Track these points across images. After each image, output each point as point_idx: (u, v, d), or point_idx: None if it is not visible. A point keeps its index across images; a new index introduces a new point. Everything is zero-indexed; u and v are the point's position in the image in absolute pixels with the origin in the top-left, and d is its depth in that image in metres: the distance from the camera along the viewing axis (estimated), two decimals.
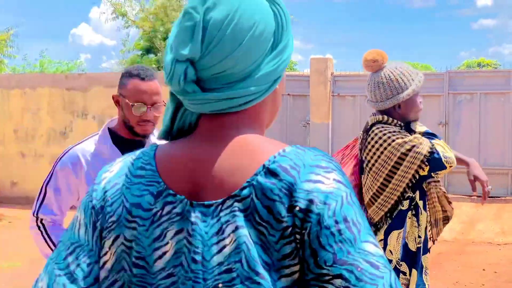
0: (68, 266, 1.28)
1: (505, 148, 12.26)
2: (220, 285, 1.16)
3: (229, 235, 1.17)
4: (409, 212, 3.38)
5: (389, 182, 3.38)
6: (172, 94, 1.33)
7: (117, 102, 3.05)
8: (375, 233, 3.42)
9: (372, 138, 3.44)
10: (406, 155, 3.35)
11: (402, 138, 3.37)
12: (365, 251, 1.13)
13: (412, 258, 3.35)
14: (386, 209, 3.38)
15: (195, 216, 1.21)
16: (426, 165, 3.33)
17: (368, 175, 3.46)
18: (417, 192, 3.44)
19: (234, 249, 1.16)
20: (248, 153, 1.22)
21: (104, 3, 26.32)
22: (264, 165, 1.19)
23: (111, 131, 3.14)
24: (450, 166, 3.37)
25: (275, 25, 1.30)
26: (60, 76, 15.49)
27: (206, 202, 1.21)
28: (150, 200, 1.26)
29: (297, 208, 1.14)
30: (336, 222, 1.14)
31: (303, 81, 13.86)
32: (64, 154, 3.10)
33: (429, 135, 3.57)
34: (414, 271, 3.37)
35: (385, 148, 3.39)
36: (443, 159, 3.34)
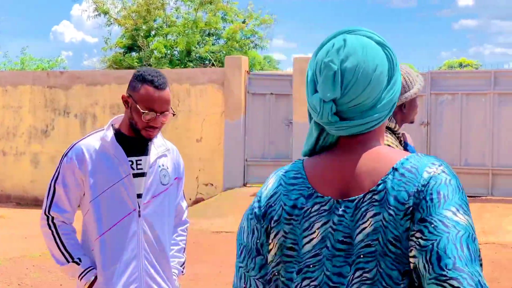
0: (242, 261, 1.79)
1: (486, 148, 12.35)
2: (361, 256, 1.59)
3: (368, 219, 1.60)
4: None
5: None
6: (316, 122, 1.73)
7: (126, 102, 3.09)
8: None
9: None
10: None
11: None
12: (442, 215, 1.52)
13: None
14: None
15: (342, 210, 1.64)
16: None
17: None
18: None
19: (373, 230, 1.59)
20: (380, 160, 1.66)
21: (85, 1, 26.13)
22: (393, 168, 1.62)
23: (115, 129, 3.17)
24: None
25: (388, 65, 1.71)
26: (41, 74, 15.41)
27: (351, 198, 1.64)
28: (303, 201, 1.69)
29: (415, 191, 1.57)
30: (431, 194, 1.55)
31: (286, 81, 13.89)
32: (69, 150, 3.13)
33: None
34: None
35: None
36: None
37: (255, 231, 1.76)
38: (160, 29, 26.00)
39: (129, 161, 3.12)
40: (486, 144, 12.42)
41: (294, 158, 13.40)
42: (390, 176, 1.61)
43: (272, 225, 1.72)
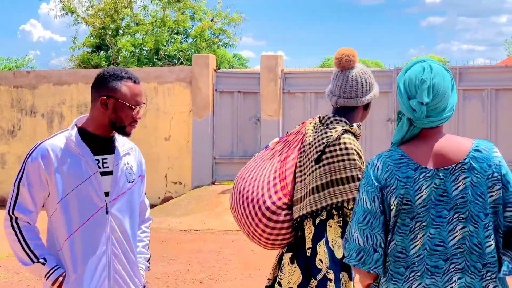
0: (367, 224, 2.63)
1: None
2: (458, 204, 2.57)
3: (460, 181, 2.58)
4: (331, 221, 3.42)
5: (327, 189, 3.43)
6: (408, 119, 2.65)
7: (105, 105, 3.13)
8: (302, 237, 3.49)
9: (341, 144, 3.44)
10: (351, 181, 3.38)
11: (359, 161, 3.40)
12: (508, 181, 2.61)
13: (341, 263, 3.40)
14: (308, 210, 3.42)
15: (441, 175, 2.59)
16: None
17: (315, 169, 3.46)
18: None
19: (464, 188, 2.58)
20: (459, 142, 2.64)
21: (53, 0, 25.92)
22: (474, 148, 2.61)
23: (80, 128, 3.20)
24: None
25: (451, 82, 2.69)
26: (8, 73, 15.28)
27: (446, 167, 2.59)
28: (412, 173, 2.60)
29: (494, 164, 2.59)
30: (506, 170, 2.61)
31: (254, 78, 13.94)
32: (34, 150, 3.13)
33: None
34: (345, 274, 3.45)
35: (345, 161, 3.41)
36: None
37: (376, 199, 2.63)
38: (128, 27, 25.89)
39: (96, 160, 3.15)
40: None
41: None
42: (473, 153, 2.59)
43: (391, 192, 2.60)
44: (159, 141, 13.91)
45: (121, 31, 26.12)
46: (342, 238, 3.39)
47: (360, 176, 3.35)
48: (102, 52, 26.44)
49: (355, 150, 3.39)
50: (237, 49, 46.81)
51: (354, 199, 3.35)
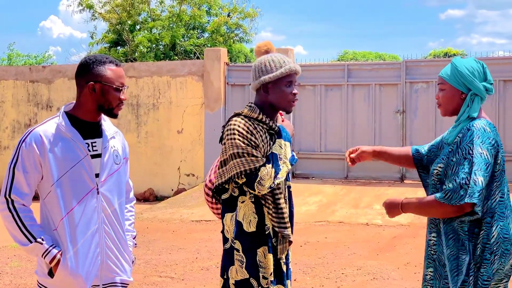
0: (486, 170, 3.31)
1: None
2: None
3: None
4: (243, 197, 3.68)
5: (225, 165, 3.73)
6: (481, 98, 3.47)
7: (92, 89, 3.31)
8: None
9: (229, 125, 3.73)
10: (234, 158, 3.64)
11: (241, 140, 3.63)
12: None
13: (251, 238, 3.68)
14: (221, 181, 3.72)
15: None
16: (242, 178, 3.63)
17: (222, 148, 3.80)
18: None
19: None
20: None
21: None
22: None
23: (69, 114, 3.37)
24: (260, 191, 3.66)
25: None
26: (24, 69, 15.55)
27: None
28: (500, 139, 3.40)
29: None
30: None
31: None
32: (27, 136, 3.29)
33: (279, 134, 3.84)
34: (263, 250, 3.70)
35: (228, 140, 3.68)
36: (254, 184, 3.60)
37: (492, 156, 3.30)
38: (145, 23, 26.09)
39: (86, 143, 3.33)
40: None
41: None
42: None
43: (499, 151, 3.36)
44: (172, 134, 14.09)
45: (138, 27, 26.34)
46: (255, 213, 3.67)
47: (240, 152, 3.62)
48: (119, 48, 26.68)
49: (236, 130, 3.63)
50: (255, 43, 46.71)
51: (241, 172, 3.61)
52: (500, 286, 3.40)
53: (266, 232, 3.69)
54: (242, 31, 27.00)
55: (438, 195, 3.32)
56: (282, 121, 4.29)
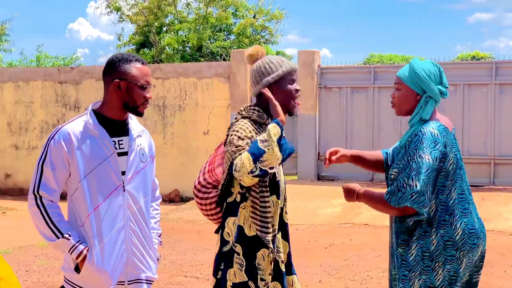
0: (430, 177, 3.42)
1: (487, 138, 12.51)
2: None
3: None
4: (245, 203, 3.68)
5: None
6: (435, 101, 3.51)
7: (118, 87, 3.37)
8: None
9: (233, 124, 3.75)
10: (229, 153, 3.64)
11: (238, 139, 3.63)
12: None
13: (252, 241, 3.68)
14: (222, 181, 3.73)
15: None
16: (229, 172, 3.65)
17: (225, 150, 3.75)
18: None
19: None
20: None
21: None
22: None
23: (96, 113, 3.42)
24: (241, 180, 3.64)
25: None
26: (52, 70, 15.72)
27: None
28: (452, 139, 3.50)
29: None
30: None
31: None
32: (55, 133, 3.34)
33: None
34: (262, 253, 3.73)
35: (230, 139, 3.68)
36: (236, 174, 3.57)
37: (436, 159, 3.36)
38: (172, 25, 26.25)
39: (112, 141, 3.38)
40: (488, 134, 12.59)
41: (300, 150, 13.62)
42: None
43: (451, 150, 3.44)
44: (198, 135, 14.16)
45: (164, 29, 26.50)
46: (252, 217, 3.68)
47: (231, 149, 3.61)
48: (146, 50, 26.85)
49: (237, 131, 3.63)
50: (282, 46, 46.78)
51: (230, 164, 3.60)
52: (475, 277, 3.55)
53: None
54: (268, 33, 27.05)
55: (385, 194, 3.46)
56: None
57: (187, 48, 25.97)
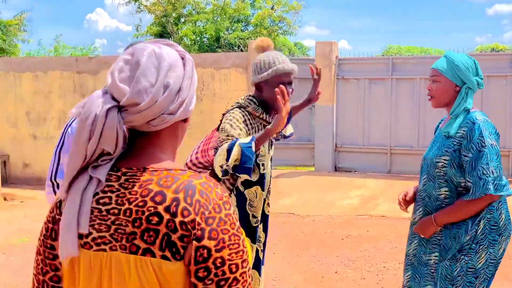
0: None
1: (506, 130, 12.40)
2: None
3: None
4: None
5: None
6: (474, 91, 3.64)
7: None
8: None
9: (228, 112, 3.92)
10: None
11: (231, 127, 3.73)
12: None
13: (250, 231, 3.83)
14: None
15: None
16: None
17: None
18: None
19: None
20: None
21: None
22: None
23: None
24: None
25: None
26: (70, 59, 15.78)
27: None
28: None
29: None
30: None
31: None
32: (73, 120, 3.38)
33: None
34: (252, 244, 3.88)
35: (222, 127, 3.81)
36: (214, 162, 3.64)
37: (498, 145, 3.53)
38: (190, 15, 26.26)
39: None
40: (507, 126, 12.47)
41: (317, 141, 13.59)
42: None
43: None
44: (216, 125, 14.13)
45: (182, 19, 26.52)
46: (236, 205, 3.80)
47: (222, 137, 3.69)
48: None
49: (230, 120, 3.78)
50: (300, 37, 46.85)
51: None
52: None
53: (255, 225, 3.79)
54: (286, 24, 27.00)
55: (464, 197, 3.52)
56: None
57: (205, 39, 25.98)
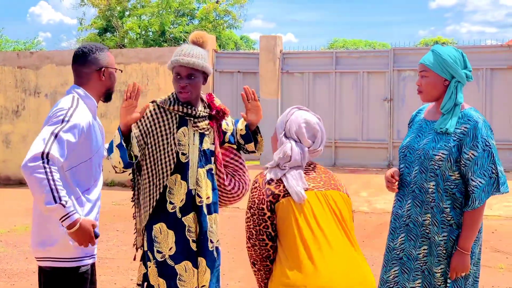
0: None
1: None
2: None
3: None
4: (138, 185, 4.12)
5: None
6: (462, 84, 3.63)
7: (103, 75, 3.67)
8: None
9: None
10: None
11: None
12: None
13: (150, 214, 4.00)
14: None
15: None
16: None
17: None
18: None
19: None
20: None
21: None
22: None
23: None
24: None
25: None
26: (12, 54, 15.48)
27: None
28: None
29: None
30: None
31: (253, 59, 14.07)
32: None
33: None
34: (159, 226, 4.01)
35: None
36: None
37: None
38: (134, 9, 26.03)
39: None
40: None
41: (262, 133, 13.61)
42: None
43: None
44: None
45: (127, 13, 26.27)
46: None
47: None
48: (108, 34, 26.60)
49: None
50: (247, 31, 46.92)
51: None
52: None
53: (171, 210, 3.87)
54: (231, 18, 26.98)
55: (476, 202, 3.50)
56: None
57: (150, 33, 25.79)
